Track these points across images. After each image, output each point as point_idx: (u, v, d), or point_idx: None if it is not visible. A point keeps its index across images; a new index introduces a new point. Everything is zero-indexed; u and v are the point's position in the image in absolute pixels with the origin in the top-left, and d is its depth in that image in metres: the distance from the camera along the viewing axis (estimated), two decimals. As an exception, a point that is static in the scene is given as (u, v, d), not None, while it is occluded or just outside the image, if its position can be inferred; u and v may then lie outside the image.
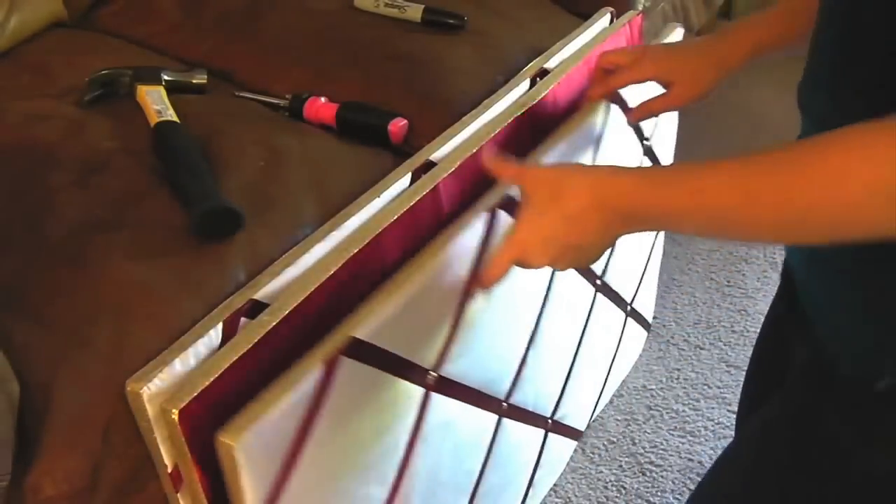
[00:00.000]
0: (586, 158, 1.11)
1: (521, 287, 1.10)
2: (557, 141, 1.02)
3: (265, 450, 0.75)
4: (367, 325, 0.82)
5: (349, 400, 0.84)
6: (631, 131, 1.26)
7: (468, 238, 0.92)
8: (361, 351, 0.83)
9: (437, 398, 0.99)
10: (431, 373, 0.96)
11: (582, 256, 0.75)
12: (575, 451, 1.58)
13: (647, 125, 1.30)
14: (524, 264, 0.77)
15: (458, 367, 1.01)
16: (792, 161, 0.60)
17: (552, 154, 1.01)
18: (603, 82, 1.04)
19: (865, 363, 0.71)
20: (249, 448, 0.73)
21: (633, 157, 1.31)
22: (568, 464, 1.56)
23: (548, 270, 1.14)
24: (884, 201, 0.54)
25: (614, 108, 1.11)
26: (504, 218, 0.96)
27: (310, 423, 0.79)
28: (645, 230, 0.74)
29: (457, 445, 1.10)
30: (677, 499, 1.51)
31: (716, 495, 0.87)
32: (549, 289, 1.17)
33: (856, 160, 0.56)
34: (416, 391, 0.95)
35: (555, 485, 1.54)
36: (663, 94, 0.98)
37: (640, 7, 1.58)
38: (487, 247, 0.95)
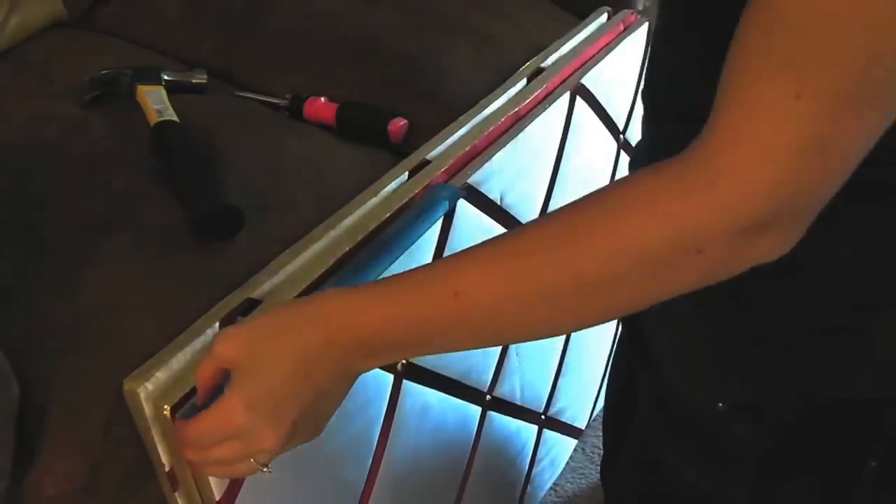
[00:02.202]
0: (549, 158, 1.12)
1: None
2: (507, 142, 1.02)
3: None
4: None
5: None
6: (603, 126, 1.26)
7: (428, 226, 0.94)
8: None
9: (409, 385, 1.00)
10: (402, 359, 0.97)
11: (317, 418, 0.61)
12: (575, 450, 1.58)
13: (620, 117, 1.30)
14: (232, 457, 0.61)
15: (433, 358, 1.01)
16: (561, 235, 0.51)
17: (505, 157, 1.01)
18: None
19: (701, 391, 0.71)
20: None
21: (606, 154, 1.31)
22: (568, 463, 1.56)
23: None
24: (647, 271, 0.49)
25: (580, 102, 1.11)
26: (464, 206, 0.97)
27: None
28: (395, 358, 0.64)
29: (437, 435, 1.11)
30: (677, 498, 1.51)
31: None
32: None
33: (618, 236, 0.49)
34: (385, 377, 0.96)
35: (555, 483, 1.54)
36: None
37: (640, 6, 1.58)
38: (448, 234, 0.96)
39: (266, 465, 0.61)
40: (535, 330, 0.55)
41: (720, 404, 0.69)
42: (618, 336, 0.91)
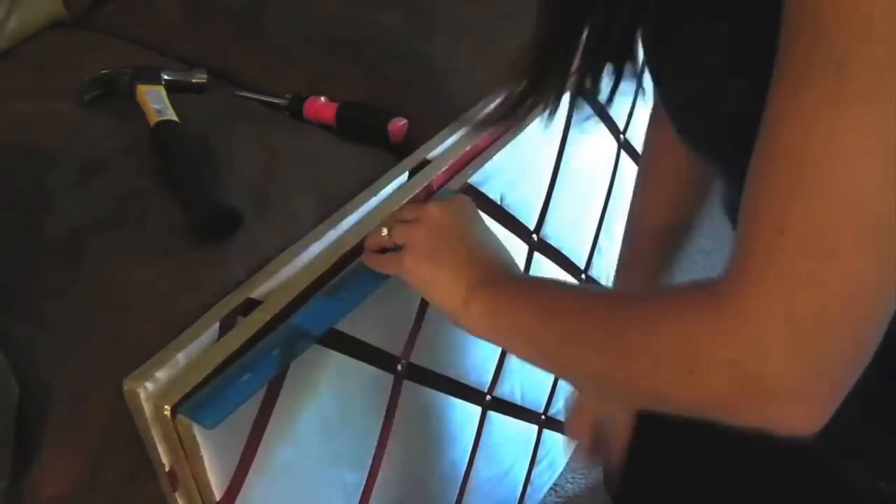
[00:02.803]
0: (549, 158, 1.11)
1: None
2: (508, 142, 1.03)
3: (225, 429, 0.77)
4: None
5: (312, 382, 0.85)
6: (603, 126, 1.26)
7: None
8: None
9: (410, 386, 1.00)
10: (402, 360, 0.97)
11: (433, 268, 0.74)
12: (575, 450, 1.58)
13: (620, 117, 1.30)
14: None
15: (430, 356, 1.02)
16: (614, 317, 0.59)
17: (505, 157, 1.01)
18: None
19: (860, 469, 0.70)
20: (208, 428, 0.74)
21: (607, 154, 1.31)
22: (568, 463, 1.56)
23: (521, 257, 1.14)
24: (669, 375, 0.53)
25: (581, 101, 1.11)
26: None
27: (271, 403, 0.80)
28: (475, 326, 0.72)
29: (438, 436, 1.11)
30: (677, 498, 1.51)
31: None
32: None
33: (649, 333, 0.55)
34: (386, 377, 0.96)
35: (555, 483, 1.54)
36: None
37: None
38: None
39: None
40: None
41: (881, 482, 0.67)
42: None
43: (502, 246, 0.77)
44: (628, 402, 0.70)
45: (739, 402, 0.50)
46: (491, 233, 0.79)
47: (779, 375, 0.48)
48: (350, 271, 0.88)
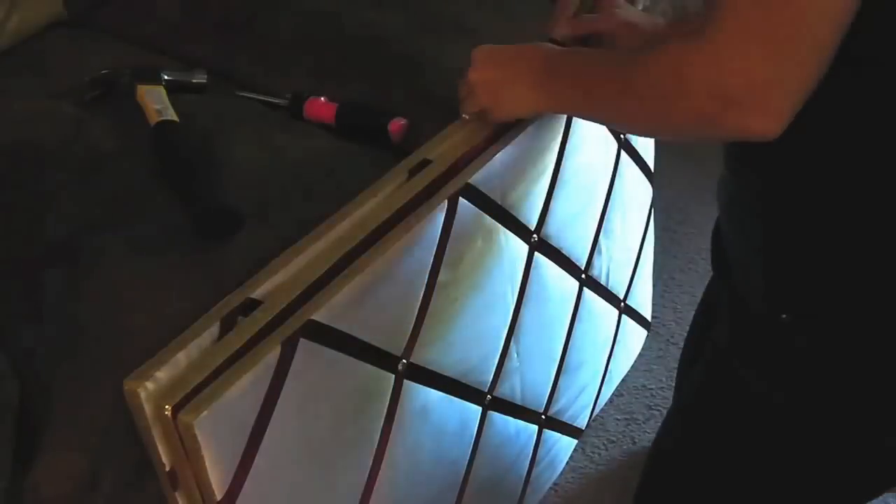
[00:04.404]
0: (550, 158, 1.12)
1: (493, 279, 1.10)
2: (508, 142, 1.03)
3: (226, 429, 0.77)
4: (326, 308, 0.84)
5: (312, 383, 0.85)
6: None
7: (429, 225, 0.94)
8: (321, 334, 0.84)
9: (410, 385, 1.00)
10: (402, 360, 0.97)
11: (504, 91, 0.93)
12: (575, 450, 1.58)
13: None
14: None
15: (430, 356, 1.01)
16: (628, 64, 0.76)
17: (506, 157, 1.02)
18: (570, 23, 1.06)
19: (771, 300, 0.78)
20: (209, 426, 0.74)
21: (607, 154, 1.31)
22: (568, 463, 1.56)
23: (521, 257, 1.15)
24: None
25: None
26: (465, 206, 0.98)
27: (272, 403, 0.80)
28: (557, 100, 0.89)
29: (438, 435, 1.11)
30: (677, 498, 1.51)
31: (658, 456, 1.01)
32: (524, 283, 1.17)
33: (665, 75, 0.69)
34: (387, 377, 0.96)
35: (555, 483, 1.54)
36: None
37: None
38: (449, 234, 0.96)
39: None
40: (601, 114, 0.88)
41: (784, 315, 0.77)
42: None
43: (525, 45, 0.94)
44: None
45: (719, 114, 0.65)
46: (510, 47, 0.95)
47: (750, 86, 0.63)
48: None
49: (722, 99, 0.64)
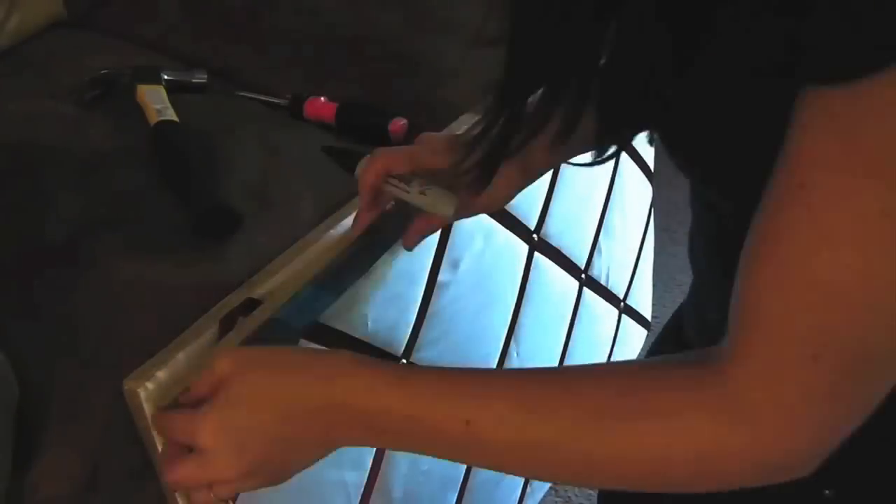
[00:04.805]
0: None
1: (493, 279, 1.10)
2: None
3: None
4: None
5: None
6: None
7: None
8: (321, 334, 0.85)
9: None
10: (402, 360, 0.97)
11: (284, 469, 0.60)
12: (575, 450, 1.58)
13: None
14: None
15: (430, 356, 1.01)
16: (587, 408, 0.51)
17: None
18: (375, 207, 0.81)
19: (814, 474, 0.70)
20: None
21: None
22: (568, 463, 1.56)
23: (521, 257, 1.14)
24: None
25: None
26: None
27: None
28: (385, 447, 0.64)
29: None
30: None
31: None
32: (524, 282, 1.17)
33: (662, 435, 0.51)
34: None
35: (555, 483, 1.54)
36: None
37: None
38: (449, 234, 0.96)
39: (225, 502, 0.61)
40: (532, 476, 0.58)
41: (826, 491, 0.67)
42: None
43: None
44: None
45: (756, 480, 0.52)
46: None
47: (799, 458, 0.50)
48: (333, 262, 0.87)
49: (764, 471, 0.51)
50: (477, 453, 0.54)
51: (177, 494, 0.81)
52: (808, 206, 0.45)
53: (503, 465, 0.55)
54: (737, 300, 0.50)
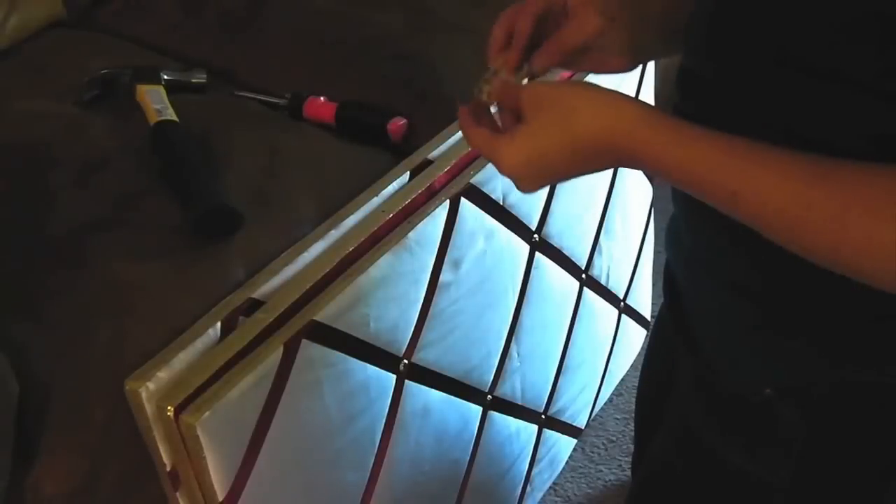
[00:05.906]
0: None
1: (494, 279, 1.10)
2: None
3: (228, 429, 0.77)
4: (328, 308, 0.84)
5: (314, 383, 0.85)
6: None
7: (431, 226, 0.94)
8: (323, 334, 0.84)
9: (411, 386, 1.00)
10: (404, 360, 0.97)
11: (552, 179, 0.71)
12: (574, 449, 1.58)
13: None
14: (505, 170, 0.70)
15: (432, 356, 1.01)
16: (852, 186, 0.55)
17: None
18: (547, 50, 0.78)
19: (747, 376, 0.73)
20: (211, 427, 0.74)
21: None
22: (567, 462, 1.56)
23: (522, 257, 1.14)
24: None
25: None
26: (467, 206, 0.97)
27: (274, 403, 0.81)
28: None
29: (439, 435, 1.11)
30: (677, 498, 1.51)
31: None
32: (525, 283, 1.17)
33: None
34: (388, 377, 0.96)
35: (554, 483, 1.54)
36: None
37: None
38: (451, 234, 0.96)
39: None
40: (779, 240, 0.60)
41: (767, 389, 0.71)
42: (651, 329, 0.94)
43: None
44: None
45: None
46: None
47: None
48: None
49: None
50: (739, 213, 0.59)
51: (177, 494, 0.81)
52: None
53: (756, 224, 0.59)
54: None
